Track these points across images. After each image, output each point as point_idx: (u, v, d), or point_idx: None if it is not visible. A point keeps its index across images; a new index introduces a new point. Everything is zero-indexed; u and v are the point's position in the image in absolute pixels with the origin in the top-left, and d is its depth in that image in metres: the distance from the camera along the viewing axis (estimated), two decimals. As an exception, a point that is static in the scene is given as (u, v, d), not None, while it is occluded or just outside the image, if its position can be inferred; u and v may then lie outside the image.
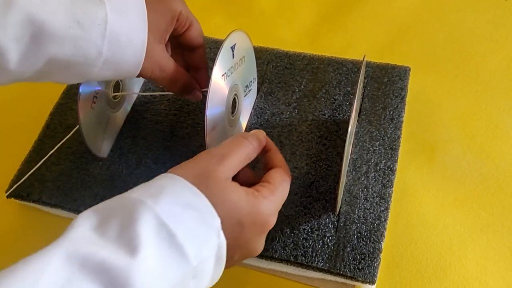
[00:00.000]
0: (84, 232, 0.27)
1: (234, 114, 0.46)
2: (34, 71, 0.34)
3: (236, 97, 0.45)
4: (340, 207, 0.43)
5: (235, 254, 0.33)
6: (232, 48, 0.41)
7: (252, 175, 0.37)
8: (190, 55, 0.44)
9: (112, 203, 0.30)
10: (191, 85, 0.43)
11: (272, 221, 0.34)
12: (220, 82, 0.40)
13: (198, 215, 0.29)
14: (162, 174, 0.32)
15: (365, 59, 0.52)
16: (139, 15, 0.36)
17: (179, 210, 0.29)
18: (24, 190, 0.48)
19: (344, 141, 0.46)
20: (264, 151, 0.38)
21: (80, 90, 0.43)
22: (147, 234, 0.27)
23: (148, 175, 0.46)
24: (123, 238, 0.26)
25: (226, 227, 0.30)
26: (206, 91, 0.39)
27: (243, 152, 0.34)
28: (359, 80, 0.39)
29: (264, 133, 0.38)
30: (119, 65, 0.36)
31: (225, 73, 0.41)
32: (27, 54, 0.32)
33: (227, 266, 0.32)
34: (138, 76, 0.39)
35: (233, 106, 0.45)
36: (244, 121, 0.49)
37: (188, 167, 0.33)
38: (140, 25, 0.36)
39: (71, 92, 0.54)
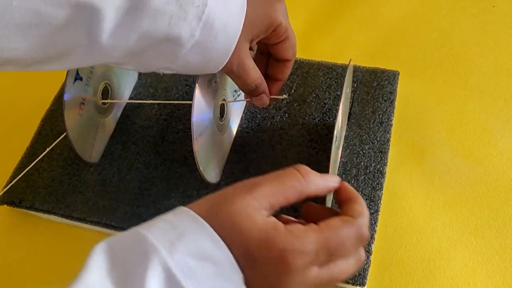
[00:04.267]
0: (98, 276, 0.26)
1: (223, 119, 0.46)
2: (124, 48, 0.33)
3: (224, 103, 0.46)
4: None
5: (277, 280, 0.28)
6: None
7: (321, 210, 0.32)
8: (274, 65, 0.43)
9: (129, 240, 0.28)
10: (263, 88, 0.42)
11: (298, 262, 0.27)
12: (205, 89, 0.41)
13: (215, 269, 0.27)
14: (187, 210, 0.29)
15: (354, 63, 0.52)
16: (239, 5, 0.35)
17: (194, 263, 0.26)
18: (16, 196, 0.48)
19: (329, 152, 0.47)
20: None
21: (65, 98, 0.43)
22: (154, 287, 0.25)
23: (139, 180, 0.47)
24: None
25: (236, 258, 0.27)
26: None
27: (284, 183, 0.30)
28: (344, 84, 0.39)
29: (339, 180, 0.33)
30: (208, 50, 0.35)
31: (211, 79, 0.41)
32: (122, 25, 0.31)
33: None
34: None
35: (222, 111, 0.46)
36: (234, 126, 0.49)
37: (212, 198, 0.30)
38: (238, 15, 0.35)
39: (62, 98, 0.54)
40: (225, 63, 0.37)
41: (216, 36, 0.34)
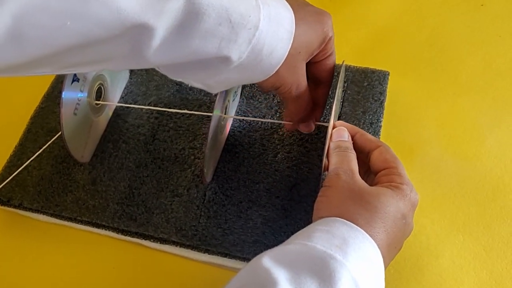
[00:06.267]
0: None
1: (223, 120, 0.46)
2: (166, 62, 0.32)
3: (228, 103, 0.46)
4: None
5: (403, 241, 0.36)
6: None
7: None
8: (314, 89, 0.42)
9: (294, 250, 0.30)
10: (311, 115, 0.42)
11: (417, 195, 0.37)
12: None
13: (375, 272, 0.30)
14: (333, 219, 0.33)
15: (345, 63, 0.53)
16: (288, 31, 0.34)
17: (364, 266, 0.29)
18: (5, 195, 0.48)
19: (325, 144, 0.47)
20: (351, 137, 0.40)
21: (63, 97, 0.43)
22: None
23: (130, 179, 0.47)
24: None
25: (391, 229, 0.33)
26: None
27: (355, 159, 0.37)
28: (338, 85, 0.39)
29: (342, 127, 0.40)
30: (249, 72, 0.34)
31: None
32: (170, 44, 0.29)
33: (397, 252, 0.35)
34: (276, 89, 0.37)
35: (225, 110, 0.46)
36: (229, 126, 0.49)
37: (341, 203, 0.34)
38: (285, 42, 0.34)
39: (52, 96, 0.54)
40: (261, 80, 0.36)
41: (261, 60, 0.33)
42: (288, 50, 0.34)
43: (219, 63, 0.33)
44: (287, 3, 0.35)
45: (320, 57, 0.39)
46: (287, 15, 0.34)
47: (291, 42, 0.34)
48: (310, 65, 0.40)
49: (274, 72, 0.35)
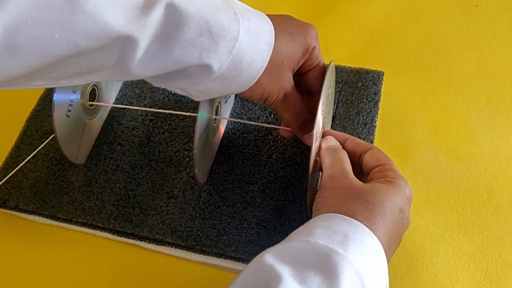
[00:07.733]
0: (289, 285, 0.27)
1: (216, 120, 0.46)
2: (149, 75, 0.33)
3: (219, 104, 0.46)
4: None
5: (402, 235, 0.36)
6: None
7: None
8: (309, 100, 0.42)
9: (297, 247, 0.30)
10: (311, 124, 0.42)
11: (411, 190, 0.37)
12: None
13: (379, 266, 0.31)
14: (333, 215, 0.33)
15: (338, 63, 0.53)
16: (267, 44, 0.35)
17: (367, 260, 0.30)
18: (1, 197, 0.48)
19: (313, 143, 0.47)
20: (342, 143, 0.40)
21: (54, 99, 0.43)
22: None
23: (125, 181, 0.47)
24: None
25: (390, 224, 0.33)
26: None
27: (347, 159, 0.38)
28: (324, 85, 0.39)
29: (330, 136, 0.41)
30: (229, 82, 0.35)
31: None
32: (153, 54, 0.30)
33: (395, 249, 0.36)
34: (265, 100, 0.38)
35: (217, 111, 0.46)
36: (223, 128, 0.49)
37: (339, 202, 0.34)
38: (264, 54, 0.35)
39: (47, 99, 0.54)
40: (241, 91, 0.37)
41: (241, 71, 0.34)
42: (267, 61, 0.35)
43: (200, 72, 0.33)
44: (267, 18, 0.36)
45: (307, 67, 0.40)
46: (266, 28, 0.35)
47: (270, 54, 0.35)
48: (300, 77, 0.41)
49: (253, 83, 0.36)
